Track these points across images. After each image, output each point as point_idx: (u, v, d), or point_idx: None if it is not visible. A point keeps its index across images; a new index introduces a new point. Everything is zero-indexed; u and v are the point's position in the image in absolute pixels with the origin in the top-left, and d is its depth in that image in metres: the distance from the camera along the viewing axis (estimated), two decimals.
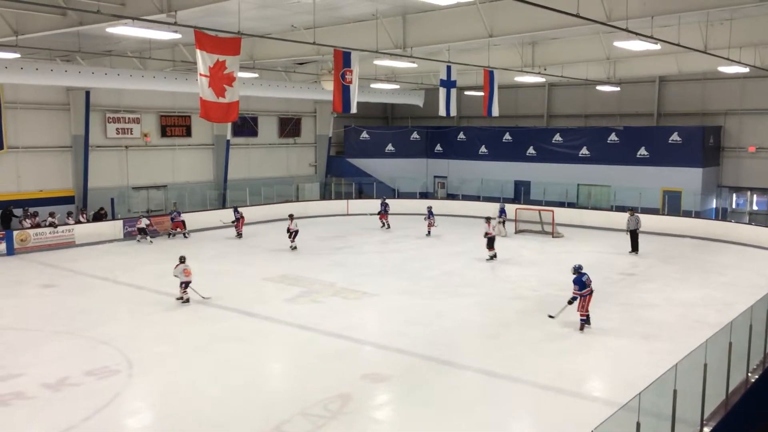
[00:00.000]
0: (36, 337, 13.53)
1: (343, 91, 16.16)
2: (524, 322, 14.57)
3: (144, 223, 24.99)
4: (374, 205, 31.73)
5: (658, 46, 15.41)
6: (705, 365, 8.25)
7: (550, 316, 14.37)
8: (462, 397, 10.57)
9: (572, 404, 10.40)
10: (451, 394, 10.67)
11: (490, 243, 21.12)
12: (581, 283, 13.69)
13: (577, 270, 13.89)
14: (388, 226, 27.62)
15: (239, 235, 25.71)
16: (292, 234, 22.91)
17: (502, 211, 26.29)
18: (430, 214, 26.01)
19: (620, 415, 6.92)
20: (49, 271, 19.76)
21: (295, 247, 22.85)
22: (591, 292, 13.82)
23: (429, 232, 25.82)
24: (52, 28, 15.17)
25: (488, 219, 21.85)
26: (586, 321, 13.82)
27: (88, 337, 13.45)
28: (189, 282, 15.87)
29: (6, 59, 19.61)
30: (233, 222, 25.76)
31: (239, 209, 26.40)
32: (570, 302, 13.86)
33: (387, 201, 28.54)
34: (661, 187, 28.74)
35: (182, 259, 16.02)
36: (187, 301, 15.89)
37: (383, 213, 27.93)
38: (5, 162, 24.35)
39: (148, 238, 24.76)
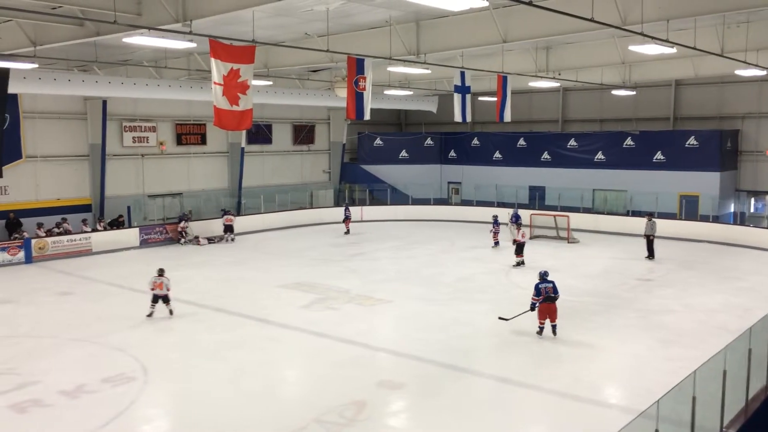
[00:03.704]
0: (53, 345, 13.63)
1: (357, 98, 16.20)
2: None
3: (181, 226, 25.94)
4: (385, 212, 31.88)
5: (673, 50, 15.30)
6: (724, 372, 8.14)
7: (503, 319, 14.24)
8: (477, 403, 10.50)
9: (589, 411, 10.29)
10: (466, 400, 10.61)
11: (519, 249, 21.03)
12: (537, 289, 13.49)
13: (542, 276, 13.70)
14: (348, 231, 28.14)
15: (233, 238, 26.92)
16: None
17: (517, 217, 25.94)
18: (495, 222, 24.66)
19: (638, 422, 6.86)
20: (66, 279, 19.93)
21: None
22: (545, 300, 13.40)
23: (496, 242, 24.42)
24: (69, 38, 15.33)
25: (519, 226, 21.73)
26: (540, 331, 13.64)
27: (104, 344, 13.53)
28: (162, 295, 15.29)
29: (24, 70, 19.87)
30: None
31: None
32: (532, 308, 13.64)
33: (350, 208, 29.23)
34: (677, 191, 28.46)
35: (160, 272, 15.30)
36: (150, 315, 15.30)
37: (347, 219, 28.47)
38: (24, 171, 24.63)
39: (183, 241, 25.85)
